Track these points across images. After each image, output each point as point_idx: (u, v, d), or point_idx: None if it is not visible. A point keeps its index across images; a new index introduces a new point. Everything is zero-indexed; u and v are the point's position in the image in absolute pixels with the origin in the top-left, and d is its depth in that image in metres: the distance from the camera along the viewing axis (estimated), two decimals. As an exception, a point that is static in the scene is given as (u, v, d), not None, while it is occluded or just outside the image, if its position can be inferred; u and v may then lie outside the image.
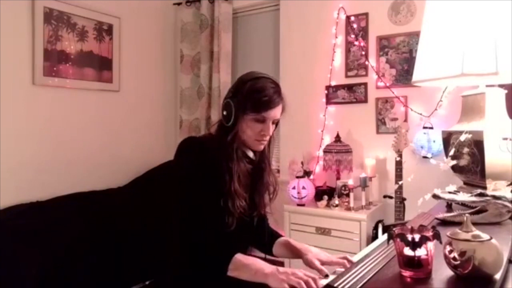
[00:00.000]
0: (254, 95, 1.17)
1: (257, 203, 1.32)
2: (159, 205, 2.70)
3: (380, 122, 2.66)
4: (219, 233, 1.17)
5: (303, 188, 2.59)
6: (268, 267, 1.06)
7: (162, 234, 2.43)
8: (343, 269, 1.08)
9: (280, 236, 1.38)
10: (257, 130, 1.20)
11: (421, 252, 0.77)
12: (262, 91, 1.17)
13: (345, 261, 1.16)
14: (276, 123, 1.28)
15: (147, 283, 2.49)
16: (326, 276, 1.09)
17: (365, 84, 2.71)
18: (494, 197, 1.12)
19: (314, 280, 0.99)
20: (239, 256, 1.10)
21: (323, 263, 1.17)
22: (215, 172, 1.17)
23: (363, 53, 2.70)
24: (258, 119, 1.19)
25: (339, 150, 2.61)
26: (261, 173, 1.31)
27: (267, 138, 1.24)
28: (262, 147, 1.26)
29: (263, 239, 1.37)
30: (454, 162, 1.42)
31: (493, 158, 1.29)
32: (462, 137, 1.35)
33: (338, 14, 2.79)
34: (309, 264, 1.19)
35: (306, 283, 0.98)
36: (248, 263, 1.09)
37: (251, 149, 1.27)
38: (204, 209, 1.15)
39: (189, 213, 1.16)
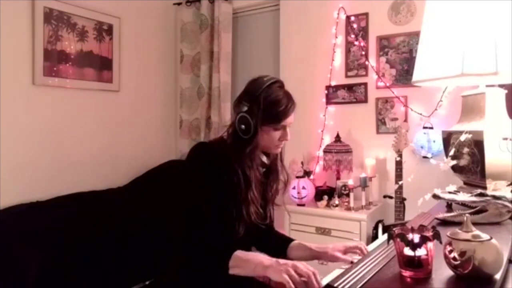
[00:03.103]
0: (271, 109, 1.22)
1: (269, 200, 1.36)
2: (159, 205, 2.70)
3: (380, 122, 2.66)
4: (224, 237, 1.18)
5: (303, 188, 2.59)
6: (267, 260, 1.07)
7: (163, 234, 2.43)
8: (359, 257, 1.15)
9: (292, 239, 1.40)
10: (277, 137, 1.26)
11: (421, 252, 0.77)
12: (277, 103, 1.22)
13: (361, 247, 1.24)
14: None
15: (147, 283, 2.48)
16: (352, 262, 1.15)
17: (365, 84, 2.71)
18: (494, 197, 1.12)
19: (315, 274, 1.01)
20: (238, 253, 1.11)
21: (343, 252, 1.25)
22: (228, 178, 1.19)
23: (363, 53, 2.70)
24: (278, 128, 1.25)
25: (339, 150, 2.61)
26: (275, 174, 1.36)
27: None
28: (280, 149, 1.33)
29: (271, 245, 1.41)
30: (454, 162, 1.42)
31: (493, 158, 1.29)
32: (462, 137, 1.36)
33: (338, 14, 2.79)
34: (333, 259, 1.25)
35: (308, 280, 0.99)
36: (248, 258, 1.10)
37: (269, 153, 1.33)
38: (209, 212, 1.16)
39: (193, 214, 1.16)
